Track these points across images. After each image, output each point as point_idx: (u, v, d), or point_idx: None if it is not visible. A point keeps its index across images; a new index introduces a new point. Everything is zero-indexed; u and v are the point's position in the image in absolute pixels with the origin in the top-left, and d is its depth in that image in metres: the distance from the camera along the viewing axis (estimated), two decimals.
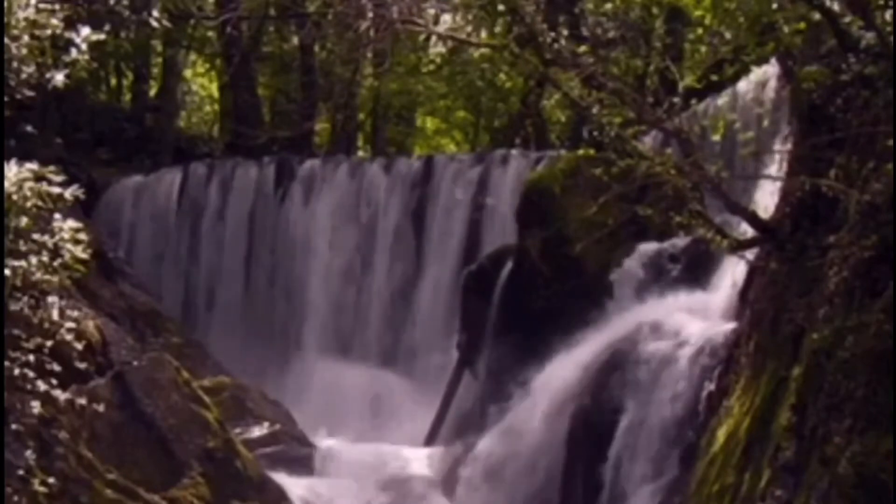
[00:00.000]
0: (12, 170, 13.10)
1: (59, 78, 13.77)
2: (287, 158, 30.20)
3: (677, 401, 17.46)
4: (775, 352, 13.97)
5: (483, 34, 17.10)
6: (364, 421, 25.27)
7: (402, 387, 26.36)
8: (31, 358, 13.78)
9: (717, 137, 17.72)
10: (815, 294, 12.99)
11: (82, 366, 16.20)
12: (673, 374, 17.72)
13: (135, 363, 18.63)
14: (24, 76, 13.51)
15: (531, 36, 15.27)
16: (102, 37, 14.12)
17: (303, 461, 21.62)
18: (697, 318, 18.48)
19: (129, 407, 18.08)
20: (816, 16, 13.39)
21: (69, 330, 14.09)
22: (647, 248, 20.59)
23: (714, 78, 16.03)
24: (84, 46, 13.81)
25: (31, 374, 13.85)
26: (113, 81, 38.57)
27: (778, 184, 15.60)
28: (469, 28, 17.97)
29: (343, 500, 20.84)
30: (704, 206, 14.89)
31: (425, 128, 42.87)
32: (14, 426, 14.36)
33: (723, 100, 20.41)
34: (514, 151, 29.09)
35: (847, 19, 13.40)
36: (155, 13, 28.69)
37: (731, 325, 17.28)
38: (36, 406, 14.36)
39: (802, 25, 13.46)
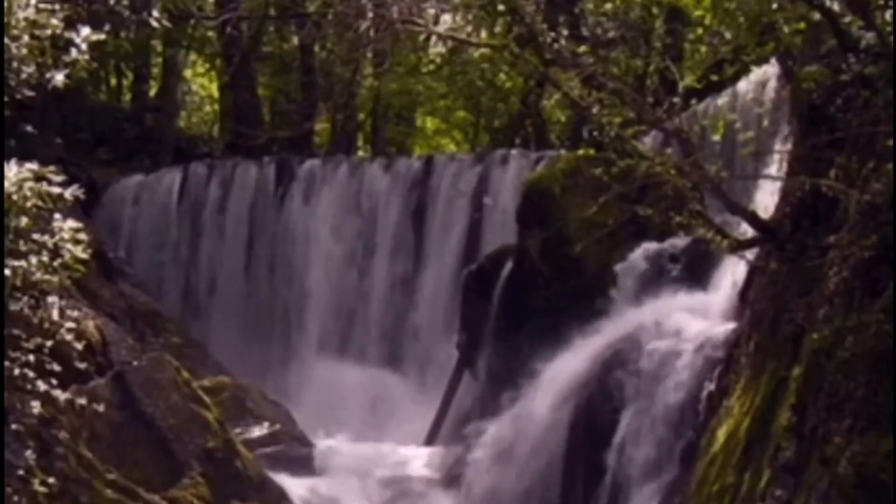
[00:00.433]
0: (12, 170, 13.10)
1: (59, 78, 13.77)
2: (287, 158, 30.21)
3: (677, 401, 17.46)
4: (775, 352, 13.97)
5: (483, 34, 17.09)
6: (364, 421, 25.26)
7: (402, 387, 26.37)
8: (31, 358, 13.78)
9: (717, 137, 17.72)
10: (815, 294, 12.99)
11: (82, 366, 16.21)
12: (673, 373, 17.72)
13: (135, 363, 18.64)
14: (24, 76, 13.51)
15: (531, 36, 15.27)
16: (102, 37, 14.13)
17: (303, 461, 21.63)
18: (697, 318, 18.47)
19: (129, 407, 18.09)
20: (816, 16, 13.38)
21: (69, 330, 14.10)
22: (647, 248, 20.58)
23: (714, 78, 16.02)
24: (84, 46, 13.81)
25: (31, 374, 13.85)
26: (113, 81, 38.57)
27: (778, 184, 15.60)
28: (469, 28, 17.96)
29: (343, 500, 20.85)
30: (704, 206, 14.88)
31: (425, 128, 42.87)
32: (14, 426, 14.36)
33: (723, 100, 20.40)
34: (514, 151, 29.08)
35: (847, 19, 13.40)
36: (155, 13, 28.69)
37: (731, 325, 17.27)
38: (36, 406, 14.36)
39: (802, 25, 13.46)
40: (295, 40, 35.46)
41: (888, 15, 12.90)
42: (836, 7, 13.46)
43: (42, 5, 13.54)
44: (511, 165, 27.51)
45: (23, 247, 13.16)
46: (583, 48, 15.73)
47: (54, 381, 14.22)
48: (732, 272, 17.86)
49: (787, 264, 14.21)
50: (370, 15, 17.62)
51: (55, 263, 13.43)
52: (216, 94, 39.58)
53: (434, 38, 24.08)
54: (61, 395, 14.77)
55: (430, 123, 42.83)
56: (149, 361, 18.88)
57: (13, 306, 13.44)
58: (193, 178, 30.09)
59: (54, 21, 13.55)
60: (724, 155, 17.36)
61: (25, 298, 13.56)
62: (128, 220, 29.96)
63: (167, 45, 36.19)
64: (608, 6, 25.17)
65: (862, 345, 11.56)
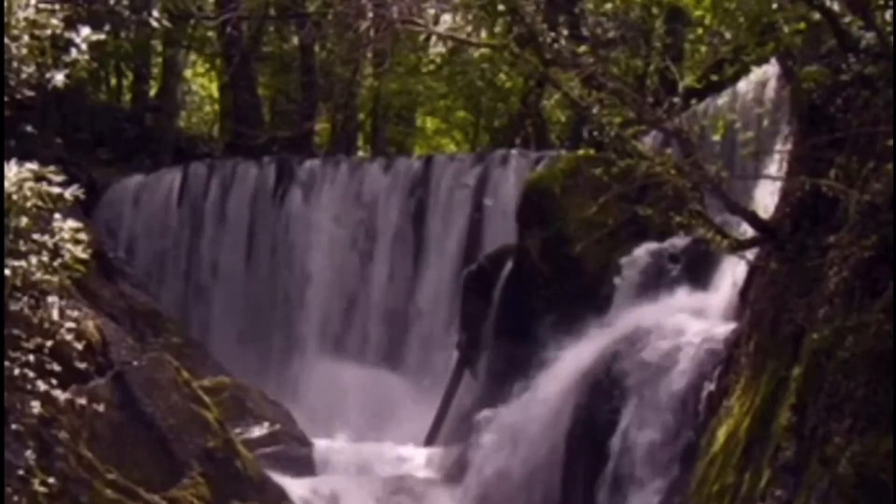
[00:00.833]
0: (12, 170, 13.09)
1: (59, 78, 13.76)
2: (287, 158, 30.21)
3: (677, 401, 17.46)
4: (775, 352, 13.96)
5: (483, 34, 17.08)
6: (364, 421, 25.27)
7: (402, 387, 26.37)
8: (31, 358, 13.78)
9: (717, 137, 17.71)
10: (815, 294, 12.99)
11: (82, 366, 16.20)
12: (673, 374, 17.72)
13: (135, 363, 18.63)
14: (24, 76, 13.50)
15: (531, 36, 15.26)
16: (102, 37, 14.11)
17: (303, 461, 21.62)
18: (697, 318, 18.48)
19: (129, 407, 18.08)
20: (816, 16, 13.38)
21: (69, 330, 14.09)
22: (647, 248, 20.58)
23: (714, 78, 16.02)
24: (84, 46, 13.80)
25: (31, 374, 13.84)
26: (113, 81, 38.56)
27: (778, 184, 15.60)
28: (469, 28, 17.95)
29: (343, 500, 20.84)
30: (704, 206, 14.88)
31: (425, 128, 42.87)
32: (14, 426, 14.35)
33: (723, 100, 20.41)
34: (514, 151, 29.08)
35: (847, 19, 13.40)
36: (155, 13, 28.67)
37: (731, 325, 17.27)
38: (36, 406, 14.35)
39: (802, 25, 13.46)
40: (295, 40, 35.45)
41: (888, 15, 12.90)
42: (836, 7, 13.45)
43: (42, 5, 13.53)
44: (511, 165, 27.51)
45: (23, 247, 13.16)
46: (583, 48, 15.73)
47: (54, 381, 14.22)
48: (732, 272, 17.86)
49: (787, 264, 14.21)
50: (370, 15, 17.61)
51: (55, 263, 13.42)
52: (216, 94, 39.58)
53: (434, 38, 24.06)
54: (61, 395, 14.77)
55: (430, 123, 42.82)
56: (149, 361, 18.88)
57: (13, 306, 13.43)
58: (193, 178, 30.09)
59: (54, 21, 13.55)
60: (724, 155, 17.36)
61: (25, 298, 13.56)
62: (128, 220, 29.96)
63: (167, 45, 36.18)
64: (608, 6, 25.16)
65: (862, 345, 11.56)
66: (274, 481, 19.41)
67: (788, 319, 13.72)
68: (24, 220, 13.06)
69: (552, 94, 30.79)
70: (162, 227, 29.83)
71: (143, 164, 32.41)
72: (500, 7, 15.61)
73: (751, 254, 15.49)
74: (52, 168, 13.39)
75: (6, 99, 13.51)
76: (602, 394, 18.54)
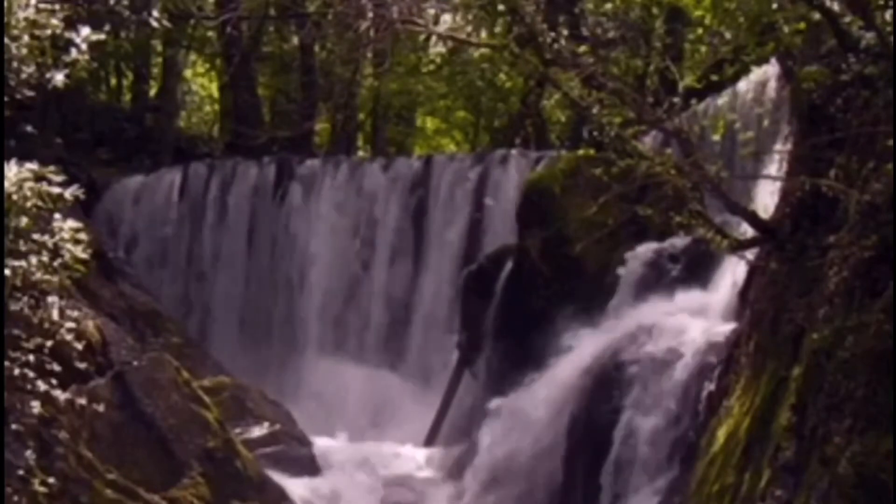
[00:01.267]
0: (12, 170, 13.09)
1: (59, 78, 13.76)
2: (287, 158, 30.21)
3: (677, 401, 17.46)
4: (775, 352, 13.97)
5: (483, 34, 17.09)
6: (364, 421, 25.29)
7: (402, 387, 26.38)
8: (31, 358, 13.78)
9: (717, 137, 17.72)
10: (815, 294, 12.99)
11: (82, 366, 16.20)
12: (673, 374, 17.72)
13: (135, 363, 18.64)
14: (24, 76, 13.50)
15: (531, 36, 15.26)
16: (102, 37, 14.10)
17: (303, 461, 21.62)
18: (697, 318, 18.48)
19: (129, 407, 18.08)
20: (816, 16, 13.38)
21: (69, 330, 14.09)
22: (647, 248, 20.58)
23: (714, 78, 16.01)
24: (84, 46, 13.79)
25: (31, 374, 13.84)
26: (113, 81, 38.57)
27: (778, 184, 15.60)
28: (469, 28, 17.96)
29: (343, 500, 20.86)
30: (704, 206, 14.88)
31: (425, 128, 42.87)
32: (14, 426, 14.36)
33: (723, 100, 20.40)
34: (514, 151, 29.07)
35: (847, 19, 13.39)
36: (155, 13, 28.67)
37: (731, 325, 17.27)
38: (36, 406, 14.36)
39: (802, 25, 13.46)
40: (295, 40, 35.46)
41: (888, 15, 12.90)
42: (836, 7, 13.45)
43: (42, 5, 13.53)
44: (511, 165, 27.50)
45: (23, 247, 13.16)
46: (583, 48, 15.73)
47: (54, 381, 14.22)
48: (732, 272, 17.86)
49: (787, 264, 14.21)
50: (370, 15, 17.61)
51: (55, 263, 13.42)
52: (216, 94, 39.59)
53: (434, 38, 24.08)
54: (61, 395, 14.78)
55: (430, 123, 42.82)
56: (149, 361, 18.88)
57: (13, 306, 13.43)
58: (193, 178, 30.10)
59: (54, 21, 13.55)
60: (724, 155, 17.36)
61: (25, 298, 13.56)
62: (128, 220, 29.97)
63: (167, 45, 36.19)
64: (608, 6, 25.20)
65: (862, 345, 11.56)
66: (274, 481, 19.41)
67: (788, 319, 13.72)
68: (24, 220, 13.06)
69: (552, 94, 30.82)
70: (162, 227, 29.83)
71: (143, 164, 32.41)
72: (500, 7, 15.61)
73: (751, 254, 15.49)
74: (52, 168, 13.39)
75: (6, 99, 13.51)
76: (602, 394, 18.54)
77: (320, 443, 22.56)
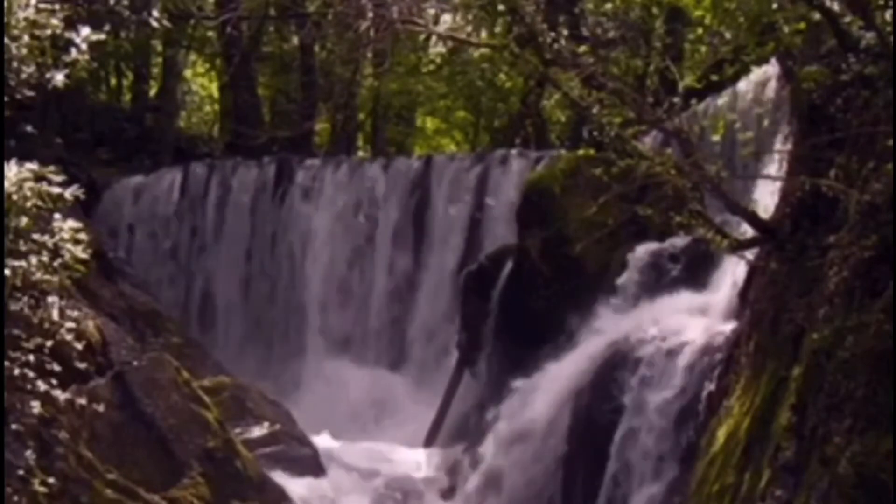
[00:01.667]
0: (12, 170, 13.09)
1: (59, 78, 13.75)
2: (287, 158, 30.21)
3: (677, 401, 17.46)
4: (775, 352, 13.97)
5: (483, 34, 17.10)
6: (364, 421, 25.28)
7: (402, 387, 26.38)
8: (31, 358, 13.77)
9: (717, 137, 17.71)
10: (815, 294, 12.99)
11: (82, 366, 16.20)
12: (673, 373, 17.72)
13: (135, 363, 18.63)
14: (24, 76, 13.50)
15: (531, 36, 15.26)
16: (102, 37, 14.10)
17: (303, 461, 21.61)
18: (697, 318, 18.48)
19: (129, 407, 18.08)
20: (816, 16, 13.38)
21: (69, 330, 14.09)
22: (647, 248, 20.58)
23: (714, 78, 16.02)
24: (84, 46, 13.79)
25: (31, 374, 13.84)
26: (113, 81, 38.58)
27: (778, 184, 15.60)
28: (469, 28, 17.97)
29: (343, 500, 20.85)
30: (704, 206, 14.88)
31: (425, 128, 42.87)
32: (14, 426, 14.35)
33: (723, 100, 20.40)
34: (514, 151, 29.07)
35: (847, 19, 13.39)
36: (155, 13, 28.69)
37: (731, 325, 17.27)
38: (36, 406, 14.35)
39: (802, 25, 13.46)
40: (295, 40, 35.46)
41: (888, 15, 12.90)
42: (836, 7, 13.45)
43: (42, 5, 13.53)
44: (511, 165, 27.50)
45: (23, 247, 13.15)
46: (583, 48, 15.73)
47: (54, 381, 14.21)
48: (732, 272, 17.86)
49: (787, 264, 14.21)
50: (370, 15, 17.61)
51: (55, 263, 13.42)
52: (216, 94, 39.59)
53: (434, 38, 24.08)
54: (61, 395, 14.76)
55: (430, 123, 42.82)
56: (149, 361, 18.88)
57: (13, 306, 13.43)
58: (193, 178, 30.10)
59: (54, 21, 13.54)
60: (724, 155, 17.35)
61: (25, 298, 13.56)
62: (128, 220, 29.97)
63: (167, 45, 36.20)
64: (608, 6, 25.19)
65: (862, 345, 11.56)
66: (274, 481, 19.41)
67: (788, 319, 13.72)
68: (24, 220, 13.06)
69: (552, 94, 30.81)
70: (162, 227, 29.83)
71: (143, 164, 32.43)
72: (500, 7, 15.61)
73: (751, 254, 15.49)
74: (52, 168, 13.39)
75: (6, 99, 13.51)
76: (603, 394, 18.54)
77: (320, 443, 22.55)
